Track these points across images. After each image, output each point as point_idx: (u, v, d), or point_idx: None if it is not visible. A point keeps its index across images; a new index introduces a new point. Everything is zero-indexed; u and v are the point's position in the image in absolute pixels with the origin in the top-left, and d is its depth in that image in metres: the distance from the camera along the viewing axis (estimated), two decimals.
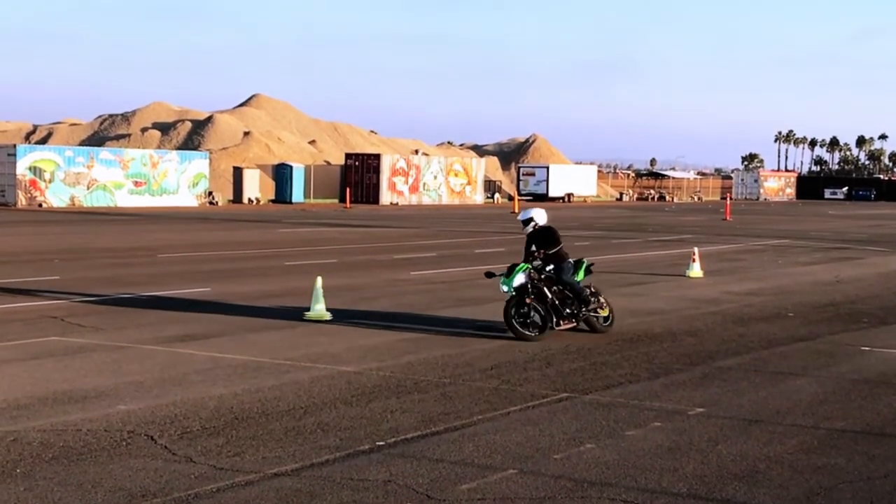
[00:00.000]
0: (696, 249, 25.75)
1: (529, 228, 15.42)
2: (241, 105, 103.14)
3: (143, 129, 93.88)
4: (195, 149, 79.82)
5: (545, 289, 14.75)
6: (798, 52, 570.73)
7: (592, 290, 15.33)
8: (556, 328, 14.72)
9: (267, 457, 8.51)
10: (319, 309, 16.01)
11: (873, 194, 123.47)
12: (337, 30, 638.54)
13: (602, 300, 15.37)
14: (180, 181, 62.06)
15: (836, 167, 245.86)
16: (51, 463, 8.22)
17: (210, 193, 64.06)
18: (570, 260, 15.37)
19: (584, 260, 15.83)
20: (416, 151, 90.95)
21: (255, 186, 67.87)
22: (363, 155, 77.34)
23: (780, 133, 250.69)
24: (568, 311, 14.87)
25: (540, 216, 15.56)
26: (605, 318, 15.34)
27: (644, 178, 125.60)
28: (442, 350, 13.63)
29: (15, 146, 57.03)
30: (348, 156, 77.49)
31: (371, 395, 10.88)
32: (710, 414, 10.39)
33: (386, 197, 73.18)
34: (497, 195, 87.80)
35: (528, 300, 14.49)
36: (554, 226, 15.68)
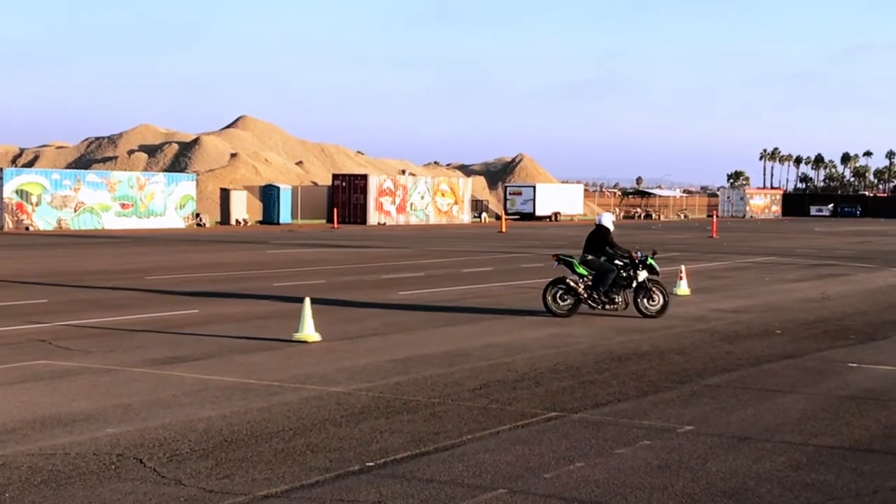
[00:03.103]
0: (683, 267, 25.83)
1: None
2: (228, 127, 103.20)
3: (130, 152, 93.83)
4: (182, 171, 79.81)
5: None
6: (783, 70, 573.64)
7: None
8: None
9: (256, 479, 8.49)
10: (308, 330, 16.01)
11: (859, 210, 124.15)
12: (323, 52, 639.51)
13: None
14: (167, 203, 62.02)
15: (822, 184, 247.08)
16: (40, 487, 8.19)
17: (197, 215, 64.03)
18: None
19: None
20: (404, 172, 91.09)
21: (243, 208, 67.86)
22: (350, 175, 77.40)
23: (765, 151, 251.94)
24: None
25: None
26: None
27: (630, 196, 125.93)
28: (431, 370, 13.64)
29: (1, 169, 56.90)
30: (335, 176, 77.55)
31: (360, 415, 10.87)
32: (699, 431, 10.41)
33: (373, 217, 73.24)
34: (484, 214, 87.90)
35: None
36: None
